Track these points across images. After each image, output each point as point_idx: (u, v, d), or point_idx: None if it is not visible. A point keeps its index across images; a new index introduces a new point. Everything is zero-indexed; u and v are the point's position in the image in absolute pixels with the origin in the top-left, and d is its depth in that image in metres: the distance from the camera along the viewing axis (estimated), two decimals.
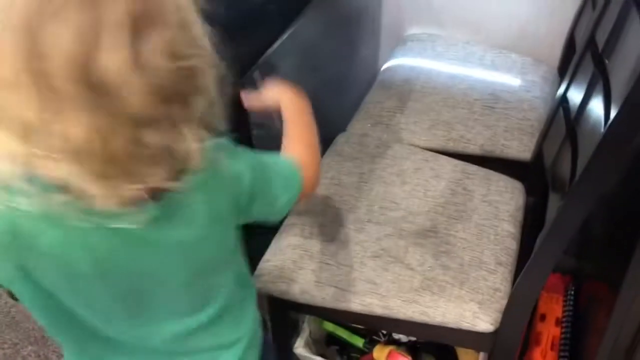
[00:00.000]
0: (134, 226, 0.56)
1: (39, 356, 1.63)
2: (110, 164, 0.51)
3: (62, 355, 1.73)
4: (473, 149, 1.37)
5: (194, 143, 0.54)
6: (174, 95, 0.52)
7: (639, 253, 0.80)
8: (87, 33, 0.47)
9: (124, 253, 0.61)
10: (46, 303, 0.64)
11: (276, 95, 0.90)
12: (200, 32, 0.54)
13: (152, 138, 0.51)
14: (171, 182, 0.56)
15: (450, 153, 1.38)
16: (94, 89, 0.47)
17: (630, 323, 0.90)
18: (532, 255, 0.87)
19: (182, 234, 0.64)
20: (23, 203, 0.51)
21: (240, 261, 0.80)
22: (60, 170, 0.50)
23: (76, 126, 0.48)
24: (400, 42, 1.72)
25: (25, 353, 1.64)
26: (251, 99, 0.92)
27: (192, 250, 0.67)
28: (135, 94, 0.49)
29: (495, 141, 1.37)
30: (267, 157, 0.78)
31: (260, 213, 0.77)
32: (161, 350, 0.76)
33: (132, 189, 0.52)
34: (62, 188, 0.51)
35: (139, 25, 0.48)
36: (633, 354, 0.98)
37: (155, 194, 0.57)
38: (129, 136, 0.50)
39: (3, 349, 1.66)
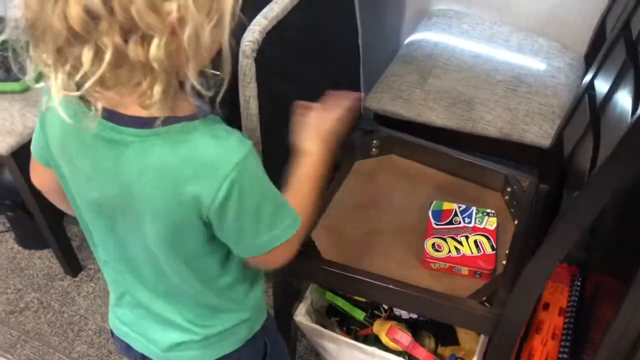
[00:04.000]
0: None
1: (42, 303, 1.64)
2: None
3: (64, 304, 1.76)
4: (492, 131, 1.35)
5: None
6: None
7: None
8: None
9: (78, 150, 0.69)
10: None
11: (310, 135, 0.81)
12: None
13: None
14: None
15: (468, 134, 1.36)
16: None
17: (639, 318, 0.89)
18: (544, 242, 0.86)
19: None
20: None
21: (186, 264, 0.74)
22: None
23: None
24: (425, 16, 1.69)
25: (28, 299, 1.66)
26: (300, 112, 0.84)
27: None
28: None
29: (514, 125, 1.34)
30: (272, 189, 0.71)
31: (229, 238, 0.71)
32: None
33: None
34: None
35: None
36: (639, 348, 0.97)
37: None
38: None
39: (7, 293, 1.68)
